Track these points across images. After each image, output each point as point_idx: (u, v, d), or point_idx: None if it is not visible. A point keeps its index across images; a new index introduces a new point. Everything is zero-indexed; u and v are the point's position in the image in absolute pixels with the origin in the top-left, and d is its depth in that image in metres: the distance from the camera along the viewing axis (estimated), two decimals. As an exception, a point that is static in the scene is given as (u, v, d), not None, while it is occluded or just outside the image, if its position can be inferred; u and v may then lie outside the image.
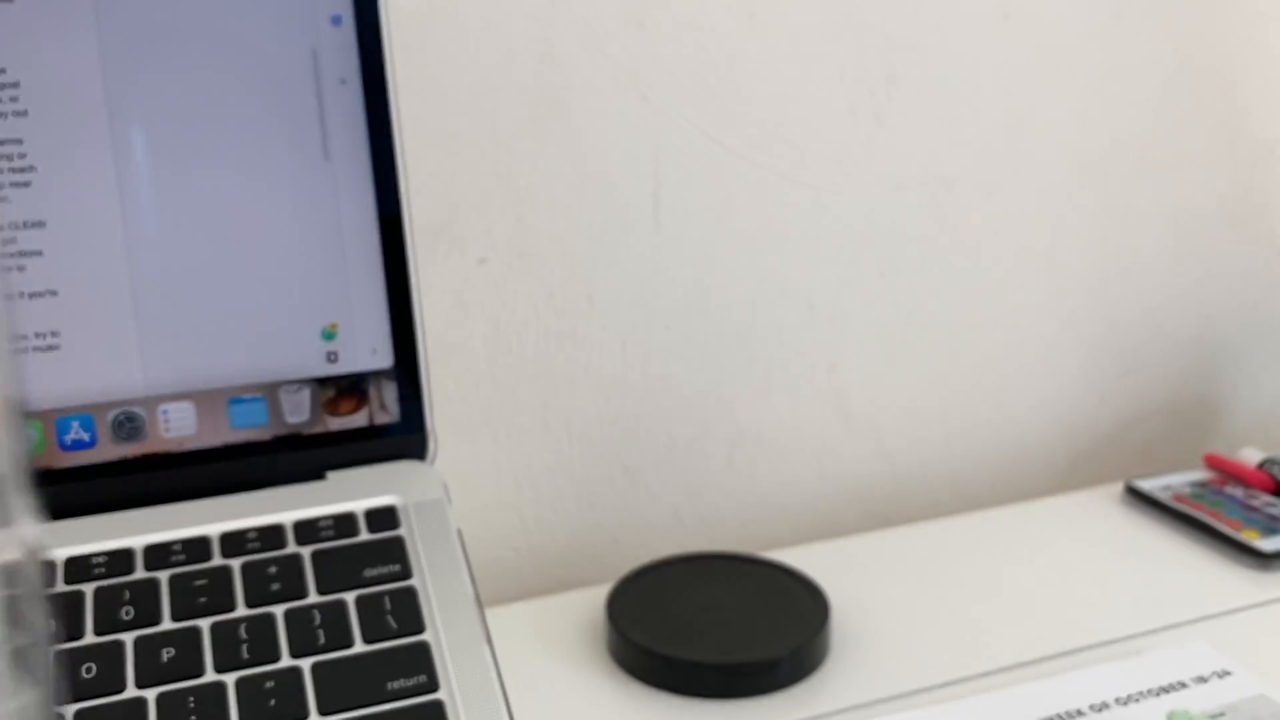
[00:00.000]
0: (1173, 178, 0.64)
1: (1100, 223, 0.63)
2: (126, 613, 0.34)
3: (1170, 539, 0.54)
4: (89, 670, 0.32)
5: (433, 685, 0.33)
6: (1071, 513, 0.57)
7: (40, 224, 0.36)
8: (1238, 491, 0.57)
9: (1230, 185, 0.66)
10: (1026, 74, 0.59)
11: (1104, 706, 0.40)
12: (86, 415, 0.37)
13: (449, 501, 0.38)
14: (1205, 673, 0.42)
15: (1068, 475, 0.67)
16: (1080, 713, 0.40)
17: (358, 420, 0.39)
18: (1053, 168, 0.61)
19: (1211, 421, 0.70)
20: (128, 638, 0.33)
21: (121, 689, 0.32)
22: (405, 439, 0.40)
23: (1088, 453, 0.67)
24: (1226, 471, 0.59)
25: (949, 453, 0.63)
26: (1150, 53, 0.61)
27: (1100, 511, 0.57)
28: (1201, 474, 0.60)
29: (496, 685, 0.33)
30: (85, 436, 0.37)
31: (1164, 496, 0.57)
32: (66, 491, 0.37)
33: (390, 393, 0.40)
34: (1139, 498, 0.57)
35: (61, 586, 0.35)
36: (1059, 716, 0.40)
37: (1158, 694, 0.41)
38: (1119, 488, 0.59)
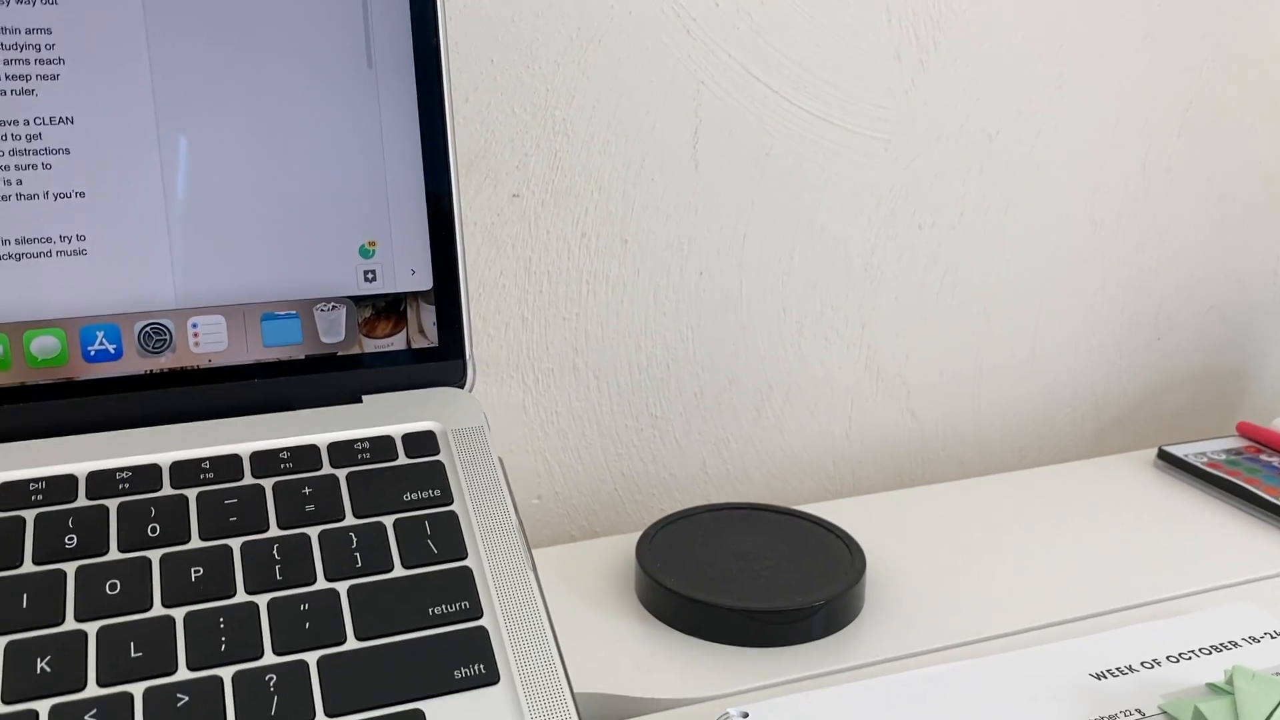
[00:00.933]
0: (1213, 144, 0.63)
1: (1138, 185, 0.62)
2: (152, 530, 0.32)
3: (1206, 504, 0.53)
4: (113, 587, 0.31)
5: (476, 612, 0.31)
6: (1103, 477, 0.56)
7: (69, 120, 0.34)
8: (1273, 459, 0.56)
9: (1270, 154, 0.64)
10: (1074, 29, 0.57)
11: (1155, 664, 0.39)
12: (112, 325, 0.35)
13: (489, 429, 0.37)
14: (1257, 633, 0.41)
15: (1095, 441, 0.66)
16: (1131, 669, 0.39)
17: (395, 343, 0.38)
18: (1094, 127, 0.59)
19: (1240, 391, 0.69)
20: (154, 555, 0.32)
21: (148, 607, 0.30)
22: (444, 365, 0.38)
23: (1117, 419, 0.66)
24: (1261, 440, 0.58)
25: (978, 413, 0.62)
26: (1198, 14, 0.60)
27: (1132, 476, 0.56)
28: (1235, 441, 0.59)
29: (543, 613, 0.31)
30: (110, 348, 0.35)
31: (1198, 462, 0.56)
32: (89, 405, 0.35)
33: (429, 317, 0.38)
34: (1172, 463, 0.56)
35: (83, 501, 0.33)
36: (1109, 672, 0.39)
37: (1209, 653, 0.40)
38: (1150, 453, 0.58)
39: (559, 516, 0.55)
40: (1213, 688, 0.37)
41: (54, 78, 0.34)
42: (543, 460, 0.54)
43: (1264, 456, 0.57)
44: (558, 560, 0.47)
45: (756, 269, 0.55)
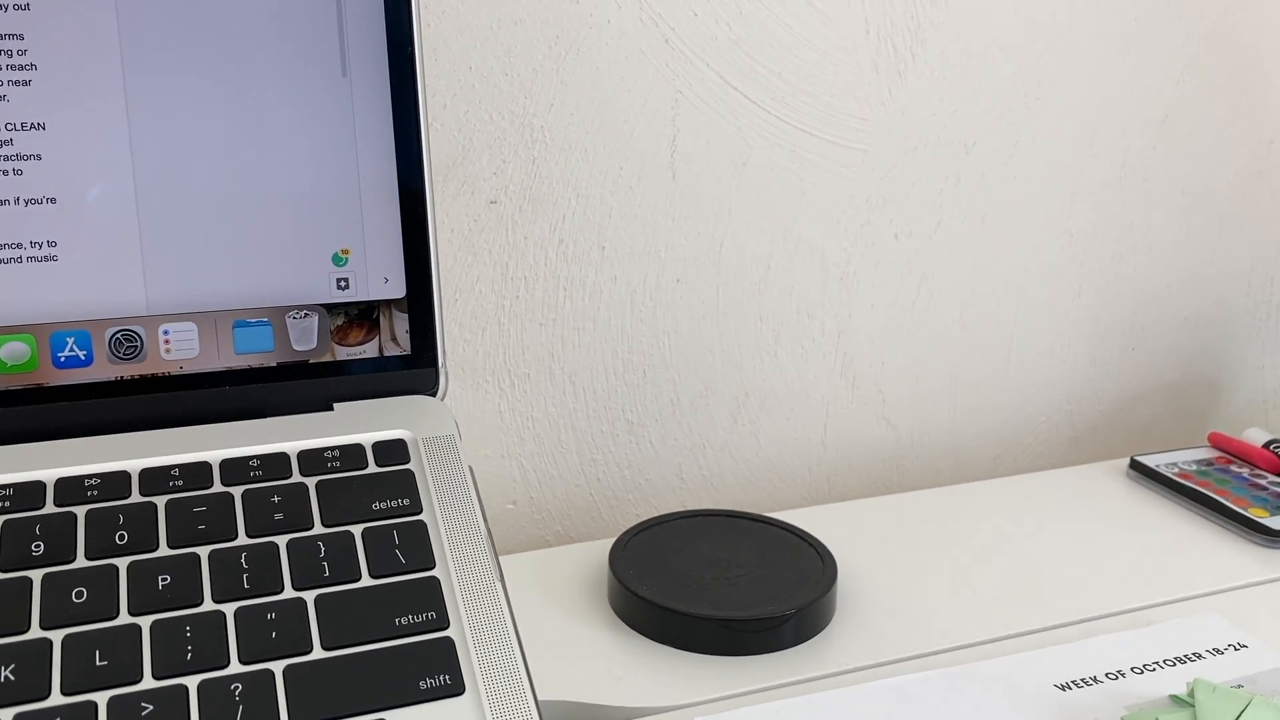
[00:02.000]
0: (1188, 154, 0.63)
1: (1114, 196, 0.62)
2: (120, 537, 0.32)
3: (1175, 515, 0.54)
4: (79, 595, 0.31)
5: (443, 622, 0.31)
6: (1075, 485, 0.57)
7: (40, 126, 0.34)
8: (1243, 470, 0.57)
9: (1246, 164, 0.65)
10: (1051, 41, 0.57)
11: (1120, 675, 0.39)
12: (83, 331, 0.35)
13: (459, 437, 0.37)
14: (1221, 645, 0.41)
15: (1069, 450, 0.66)
16: (1096, 680, 0.39)
17: (367, 351, 0.38)
18: (1071, 137, 0.60)
19: (1213, 401, 0.70)
20: (121, 563, 0.32)
21: (114, 615, 0.30)
22: (416, 373, 0.38)
23: (1091, 428, 0.66)
24: (1232, 451, 0.59)
25: (953, 421, 0.62)
26: (1172, 28, 0.60)
27: (1104, 485, 0.57)
28: (1206, 452, 0.59)
29: (509, 623, 0.32)
30: (81, 354, 0.35)
31: (1169, 472, 0.56)
32: (59, 411, 0.35)
33: (401, 325, 0.38)
34: (1143, 473, 0.57)
35: (51, 508, 0.33)
36: (1074, 683, 0.39)
37: (1174, 664, 0.40)
38: (1122, 463, 0.58)
39: (534, 521, 0.55)
40: (1175, 699, 0.38)
41: (25, 84, 0.34)
42: (518, 465, 0.54)
43: (1234, 467, 0.57)
44: (532, 566, 0.48)
45: (733, 277, 0.55)
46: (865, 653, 0.42)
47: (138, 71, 0.35)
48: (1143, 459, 0.58)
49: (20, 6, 0.34)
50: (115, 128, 0.35)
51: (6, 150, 0.34)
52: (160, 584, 0.31)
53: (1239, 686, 0.38)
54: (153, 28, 0.35)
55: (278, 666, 0.30)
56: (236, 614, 0.31)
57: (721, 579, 0.44)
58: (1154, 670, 0.40)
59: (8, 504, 0.33)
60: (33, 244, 0.34)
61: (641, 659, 0.41)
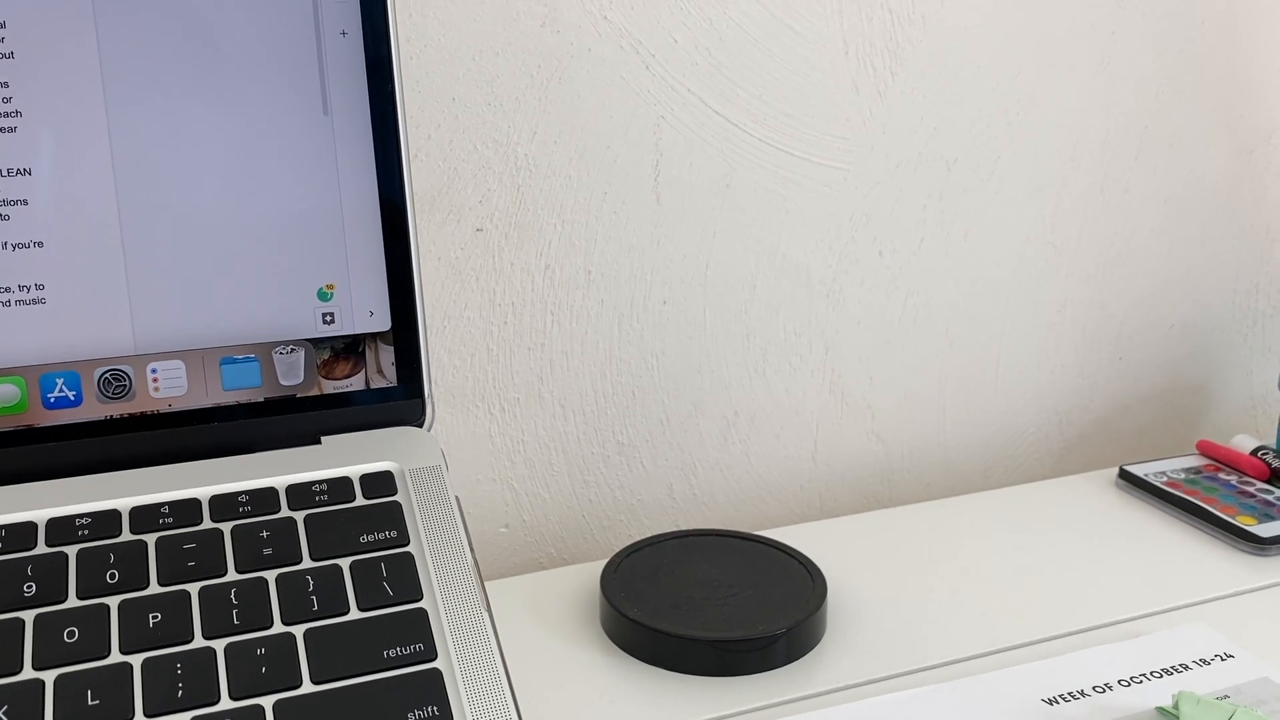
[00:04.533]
0: (1169, 163, 0.64)
1: (1097, 207, 0.63)
2: (111, 576, 0.33)
3: (1164, 524, 0.54)
4: (71, 635, 0.31)
5: (430, 654, 0.32)
6: (1065, 496, 0.57)
7: (26, 171, 0.35)
8: (1231, 478, 0.57)
9: (1226, 172, 0.65)
10: (1029, 56, 0.58)
11: (1107, 688, 0.40)
12: (72, 372, 0.36)
13: (447, 468, 0.37)
14: (1208, 655, 0.41)
15: (1060, 460, 0.66)
16: (1083, 693, 0.39)
17: (354, 384, 0.38)
18: (1051, 151, 0.60)
19: (1203, 408, 0.70)
20: (113, 602, 0.32)
21: (105, 654, 0.31)
22: (402, 405, 0.39)
23: (1080, 438, 0.67)
24: (1220, 458, 0.59)
25: (943, 435, 0.63)
26: (1152, 38, 0.61)
27: (1094, 496, 0.57)
28: (1195, 460, 0.60)
29: (496, 655, 0.32)
30: (70, 395, 0.36)
31: (1158, 481, 0.57)
32: (49, 451, 0.36)
33: (387, 357, 0.39)
34: (1132, 482, 0.57)
35: (43, 549, 0.33)
36: (1061, 697, 0.39)
37: (1160, 676, 0.40)
38: (1112, 473, 0.59)
39: (527, 544, 0.55)
40: (1161, 712, 0.38)
41: (11, 130, 0.34)
42: (510, 489, 0.54)
43: (1222, 475, 0.58)
44: (524, 590, 0.48)
45: (720, 297, 0.55)
46: (856, 670, 0.42)
47: (121, 115, 0.35)
48: (1131, 468, 0.58)
49: (4, 55, 0.34)
50: (100, 170, 0.35)
51: (-7, 196, 0.34)
52: (151, 622, 0.32)
53: (1225, 697, 0.39)
54: (135, 73, 0.35)
55: (268, 701, 0.30)
56: (226, 650, 0.31)
57: (712, 599, 0.45)
58: (1141, 682, 0.40)
59: (0, 545, 0.33)
60: (20, 287, 0.35)
61: (633, 681, 0.42)
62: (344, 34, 0.37)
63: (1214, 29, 0.62)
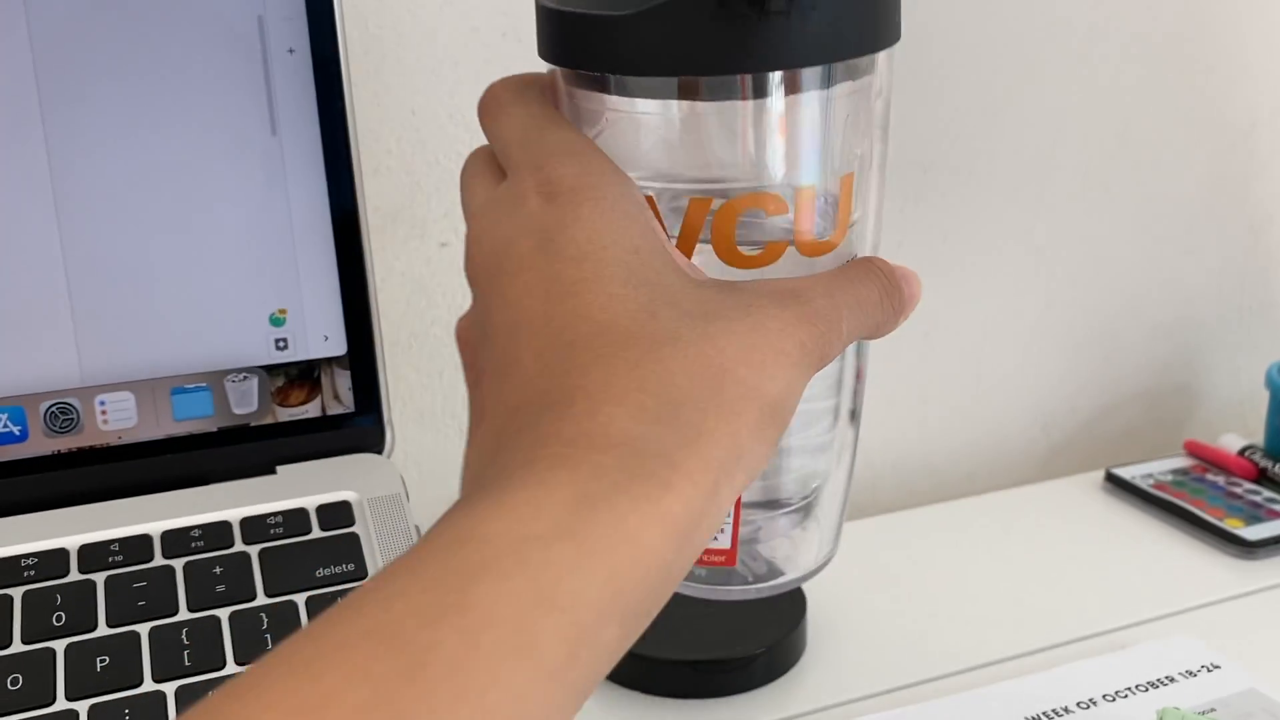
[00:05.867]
0: (1151, 161, 0.63)
1: (1077, 207, 0.62)
2: (58, 618, 0.32)
3: (1152, 527, 0.53)
4: (14, 682, 0.30)
5: (388, 692, 0.31)
6: (1051, 501, 0.56)
7: (-38, 202, 0.34)
8: (1219, 478, 0.56)
9: (1208, 169, 0.64)
10: (1005, 55, 0.57)
11: (1091, 704, 0.39)
12: (16, 407, 0.35)
13: (407, 497, 0.36)
14: (1194, 667, 0.41)
15: (1046, 463, 0.65)
16: (1067, 710, 0.38)
17: (309, 411, 0.37)
18: (1031, 152, 0.59)
19: (1190, 408, 0.69)
20: (59, 645, 0.31)
21: (50, 701, 0.30)
22: (360, 431, 0.38)
23: (1067, 440, 0.66)
24: (1207, 458, 0.58)
25: (926, 441, 0.62)
26: (1130, 35, 0.60)
27: (1080, 500, 0.56)
28: (1182, 461, 0.59)
29: (456, 691, 0.31)
30: (15, 430, 0.35)
31: (1145, 484, 0.56)
32: (-5, 489, 0.35)
33: (344, 382, 0.38)
34: (1119, 485, 0.56)
35: (-12, 591, 0.32)
36: (1045, 715, 0.38)
37: (1146, 689, 0.39)
38: (1099, 476, 0.58)
39: (503, 564, 0.54)
40: (1146, 728, 0.37)
41: (-55, 159, 0.33)
42: (485, 508, 0.53)
43: (1209, 476, 0.57)
44: (498, 613, 0.47)
45: (694, 307, 0.54)
46: (836, 689, 0.42)
47: (61, 141, 0.34)
48: (1118, 471, 0.57)
49: (-64, 82, 0.33)
50: (40, 197, 0.34)
51: (-71, 228, 0.33)
52: (99, 665, 0.31)
53: (1211, 711, 0.38)
54: (75, 96, 0.34)
55: (218, 747, 0.29)
56: (177, 693, 0.30)
57: (688, 618, 0.44)
58: (1126, 696, 0.39)
59: (-58, 589, 0.32)
60: (-40, 321, 0.34)
61: (608, 706, 0.41)
62: (291, 51, 0.36)
63: (1192, 24, 0.61)
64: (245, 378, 0.36)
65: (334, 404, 0.37)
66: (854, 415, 0.32)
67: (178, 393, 0.36)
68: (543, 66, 0.28)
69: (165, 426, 0.36)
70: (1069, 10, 0.58)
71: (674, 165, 0.27)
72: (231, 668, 0.31)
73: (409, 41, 0.46)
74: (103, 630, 0.32)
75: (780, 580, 0.33)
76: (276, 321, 0.37)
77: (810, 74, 0.25)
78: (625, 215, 0.24)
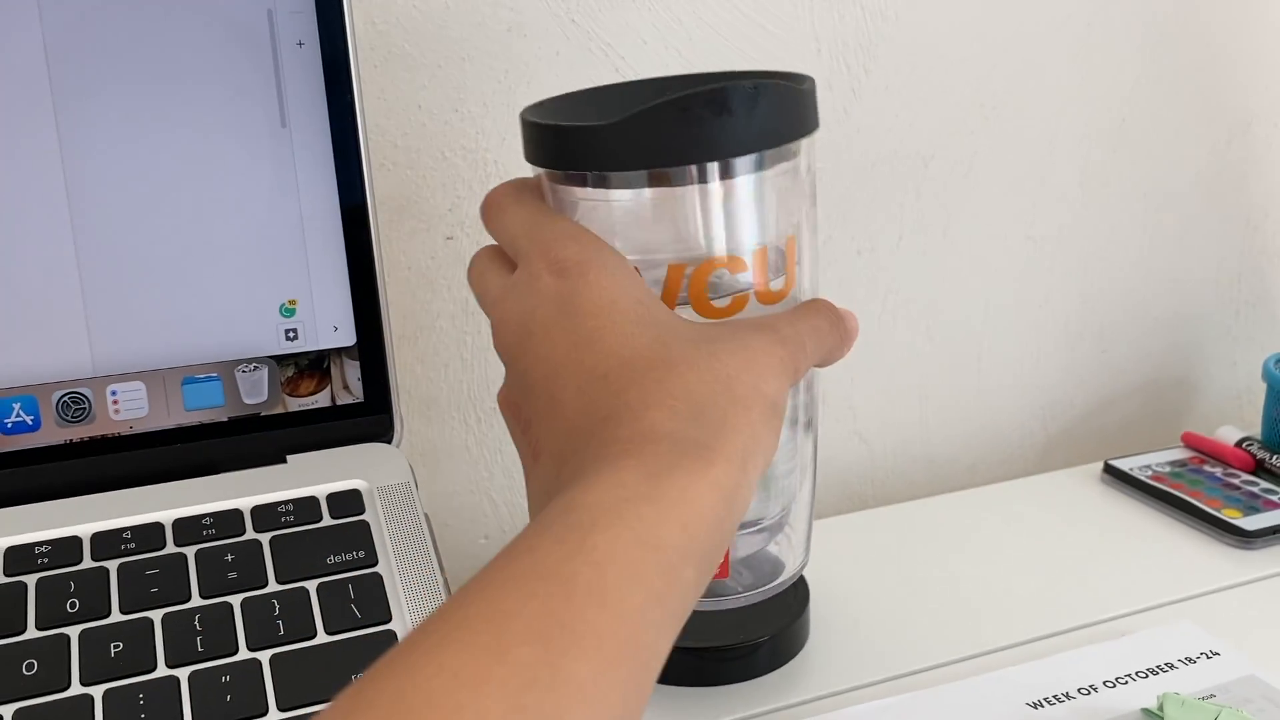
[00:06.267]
0: (1149, 155, 0.63)
1: (1077, 200, 0.62)
2: (72, 605, 0.32)
3: (1150, 518, 0.54)
4: (30, 667, 0.30)
5: (400, 677, 0.31)
6: (1050, 492, 0.57)
7: (-24, 193, 0.34)
8: (1216, 470, 0.57)
9: (1206, 163, 0.65)
10: (1004, 50, 0.57)
11: (1092, 689, 0.39)
12: (29, 396, 0.35)
13: (416, 486, 0.36)
14: (1193, 653, 0.41)
15: (1045, 455, 0.66)
16: (1068, 695, 0.39)
17: (319, 401, 0.38)
18: (1030, 145, 0.60)
19: (1188, 400, 0.70)
20: (73, 631, 0.31)
21: (65, 686, 0.30)
22: (369, 420, 0.38)
23: (1065, 432, 0.66)
24: (1205, 450, 0.59)
25: (926, 433, 0.62)
26: (1128, 30, 0.60)
27: (1079, 491, 0.57)
28: (1180, 453, 0.59)
29: (467, 676, 0.31)
30: (28, 419, 0.35)
31: (1143, 476, 0.56)
32: (7, 477, 0.35)
33: (353, 372, 0.38)
34: (1118, 477, 0.57)
35: (1, 578, 0.33)
36: (1046, 700, 0.39)
37: (1146, 676, 0.40)
38: (1097, 467, 0.58)
39: (508, 556, 0.54)
40: (1146, 713, 0.37)
41: (-41, 151, 0.34)
42: (488, 499, 0.54)
43: (1207, 467, 0.57)
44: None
45: (697, 300, 0.55)
46: (840, 677, 0.42)
47: (73, 134, 0.34)
48: (1116, 463, 0.57)
49: (-50, 74, 0.33)
50: (53, 190, 0.34)
51: (-58, 219, 0.34)
52: (113, 651, 0.31)
53: (1211, 696, 0.38)
54: (87, 89, 0.34)
55: (233, 730, 0.30)
56: (191, 678, 0.31)
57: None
58: (1126, 683, 0.40)
59: (-43, 576, 0.32)
60: (-27, 311, 0.34)
61: (614, 695, 0.41)
62: (301, 45, 0.36)
63: (1190, 20, 0.62)
64: (256, 368, 0.37)
65: (343, 394, 0.38)
66: (809, 425, 0.38)
67: (189, 383, 0.36)
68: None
69: (176, 416, 0.36)
70: (1068, 5, 0.58)
71: (648, 240, 0.32)
72: (244, 653, 0.31)
73: (415, 36, 0.47)
74: (116, 617, 0.32)
75: (766, 587, 0.38)
76: (287, 312, 0.37)
77: (755, 159, 0.32)
78: (625, 277, 0.30)
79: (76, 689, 0.30)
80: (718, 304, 0.33)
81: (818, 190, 0.36)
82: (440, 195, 0.49)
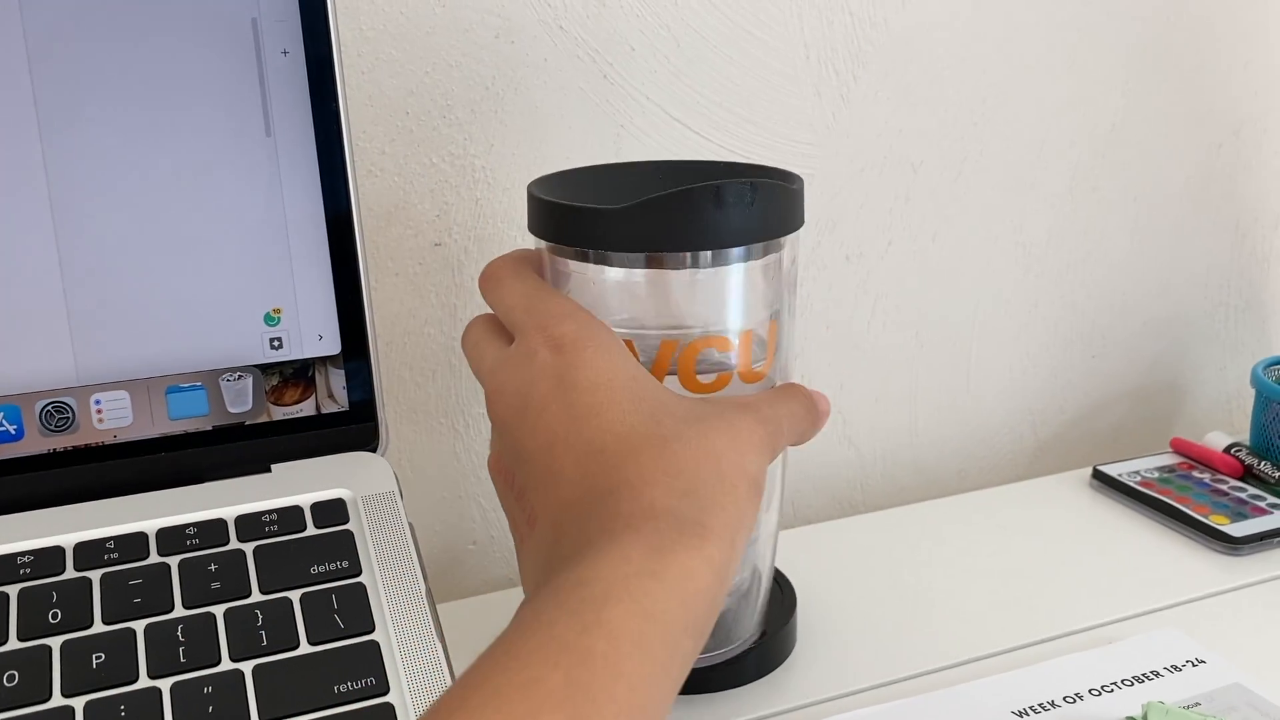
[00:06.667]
0: (1138, 161, 0.63)
1: (1066, 206, 0.62)
2: (54, 615, 0.32)
3: (1138, 524, 0.54)
4: (11, 679, 0.30)
5: (383, 687, 0.31)
6: (1039, 498, 0.57)
7: (-42, 202, 0.34)
8: (1205, 476, 0.57)
9: (1195, 168, 0.65)
10: (994, 55, 0.58)
11: (1077, 698, 0.39)
12: (12, 406, 0.35)
13: (400, 494, 0.36)
14: (1179, 661, 0.41)
15: (1034, 460, 0.66)
16: (1054, 704, 0.39)
17: (304, 410, 0.38)
18: (1019, 151, 0.60)
19: (1177, 405, 0.70)
20: (55, 642, 0.31)
21: (47, 698, 0.30)
22: (354, 429, 0.38)
23: (1055, 437, 0.66)
24: (1193, 456, 0.59)
25: (915, 439, 0.62)
26: (1117, 36, 0.60)
27: (1068, 497, 0.57)
28: (1168, 458, 0.59)
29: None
30: (11, 428, 0.35)
31: (1132, 481, 0.56)
32: (-9, 487, 0.35)
33: (338, 381, 0.38)
34: (1106, 482, 0.57)
35: (-16, 588, 0.32)
36: (1032, 709, 0.39)
37: (1132, 684, 0.40)
38: (1086, 473, 0.58)
39: (495, 562, 0.54)
40: (1131, 722, 0.37)
41: (-59, 159, 0.34)
42: (477, 506, 0.54)
43: (1196, 473, 0.57)
44: (491, 609, 0.47)
45: (686, 306, 0.55)
46: (827, 684, 0.42)
47: (57, 142, 0.34)
48: (1105, 468, 0.58)
49: (-68, 83, 0.33)
50: (36, 198, 0.34)
51: (-76, 228, 0.33)
52: (95, 662, 0.31)
53: (1195, 705, 0.38)
54: (71, 95, 0.34)
55: (214, 742, 0.29)
56: (173, 689, 0.31)
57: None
58: (1112, 691, 0.40)
59: (-61, 587, 0.32)
60: (-44, 321, 0.34)
61: (600, 703, 0.41)
62: (285, 53, 0.36)
63: (1179, 26, 0.62)
64: (240, 377, 0.37)
65: (328, 402, 0.38)
66: (769, 502, 0.40)
67: (173, 391, 0.36)
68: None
69: (160, 425, 0.36)
70: (1057, 12, 0.58)
71: (637, 313, 0.35)
72: (226, 664, 0.31)
73: (403, 43, 0.47)
74: (98, 627, 0.32)
75: (722, 650, 0.41)
76: (271, 321, 0.37)
77: (746, 249, 0.34)
78: (619, 354, 0.32)
79: (58, 700, 0.30)
80: (703, 379, 0.35)
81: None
82: (428, 201, 0.49)
